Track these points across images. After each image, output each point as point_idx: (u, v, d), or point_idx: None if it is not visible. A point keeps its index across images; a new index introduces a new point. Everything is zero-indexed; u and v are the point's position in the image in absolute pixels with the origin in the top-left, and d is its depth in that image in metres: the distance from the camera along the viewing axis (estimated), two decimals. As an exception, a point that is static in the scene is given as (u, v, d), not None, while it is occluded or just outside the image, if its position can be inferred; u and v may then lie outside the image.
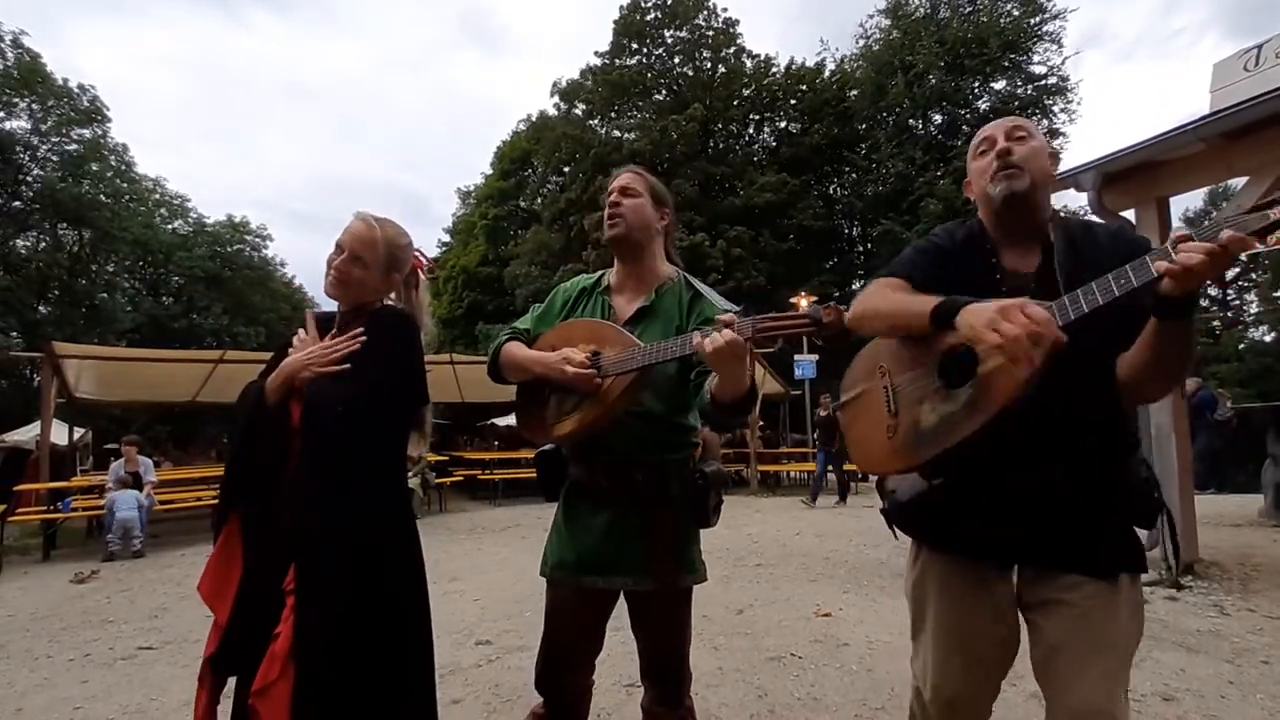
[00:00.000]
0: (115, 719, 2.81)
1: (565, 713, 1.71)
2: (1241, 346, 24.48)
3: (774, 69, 26.56)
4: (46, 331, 20.01)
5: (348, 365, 1.45)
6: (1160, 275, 1.02)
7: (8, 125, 21.63)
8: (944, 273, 1.37)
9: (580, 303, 1.74)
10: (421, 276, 1.71)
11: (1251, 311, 29.08)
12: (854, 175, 25.94)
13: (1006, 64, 22.48)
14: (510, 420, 14.35)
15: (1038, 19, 22.45)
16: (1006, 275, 1.35)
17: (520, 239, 26.68)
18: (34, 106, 22.03)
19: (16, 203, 22.57)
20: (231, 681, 1.44)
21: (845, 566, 5.34)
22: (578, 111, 27.49)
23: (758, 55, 26.76)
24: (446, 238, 34.46)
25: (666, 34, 26.34)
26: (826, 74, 26.89)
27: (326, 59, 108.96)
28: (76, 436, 12.47)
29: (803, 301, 18.35)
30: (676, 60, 26.54)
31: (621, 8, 26.22)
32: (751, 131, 27.42)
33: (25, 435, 13.51)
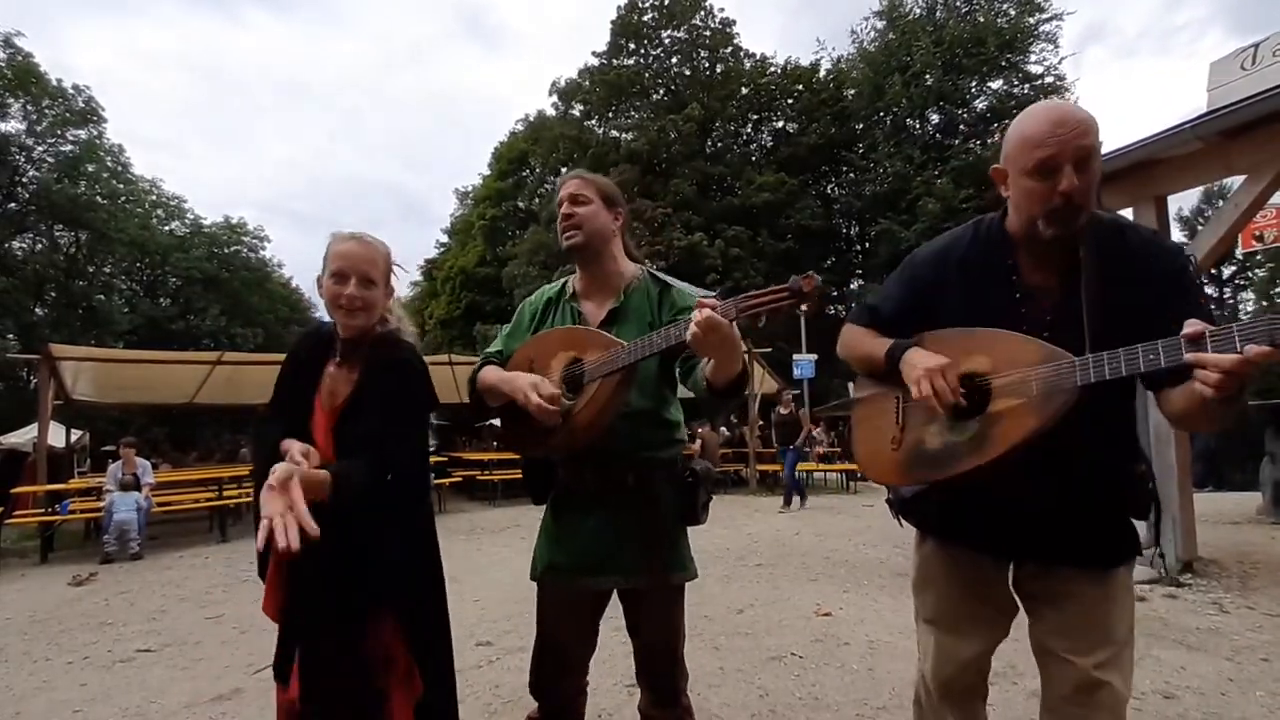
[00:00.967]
0: (114, 722, 2.80)
1: (561, 716, 1.71)
2: (1238, 344, 24.52)
3: (771, 68, 26.60)
4: (43, 333, 19.99)
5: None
6: (1189, 364, 0.97)
7: (2, 127, 21.62)
8: (941, 294, 1.35)
9: (548, 313, 1.71)
10: (392, 280, 1.64)
11: (1249, 309, 29.18)
12: (852, 175, 26.00)
13: (1004, 63, 22.56)
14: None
15: (1035, 19, 22.53)
16: (1024, 292, 1.27)
17: (518, 239, 26.66)
18: (28, 107, 21.98)
19: (12, 204, 22.53)
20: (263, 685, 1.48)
21: (845, 566, 5.34)
22: (575, 112, 27.51)
23: (755, 55, 26.83)
24: (444, 238, 34.47)
25: (664, 34, 26.39)
26: (823, 73, 26.94)
27: (325, 59, 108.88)
28: (74, 439, 12.45)
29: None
30: (674, 60, 26.58)
31: (619, 8, 26.24)
32: (749, 131, 27.45)
33: (22, 437, 13.49)
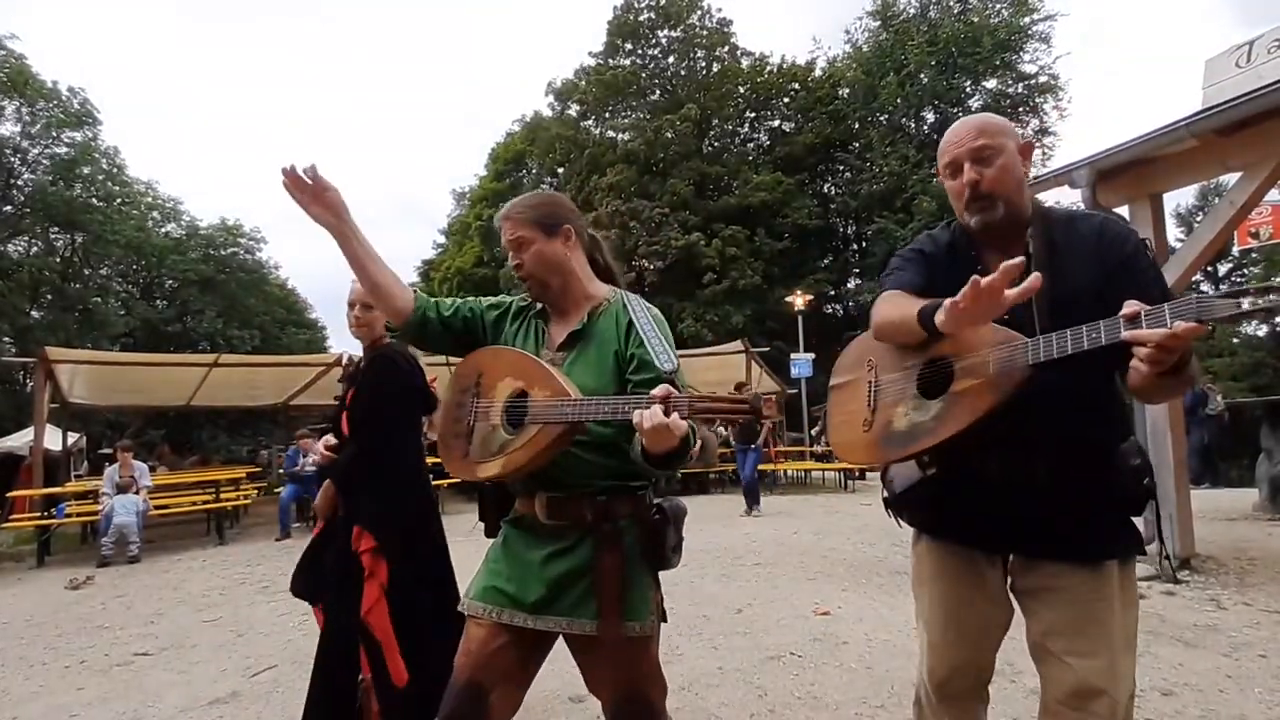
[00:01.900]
0: (111, 726, 2.80)
1: None
2: (1235, 341, 24.63)
3: (768, 66, 26.62)
4: (39, 336, 19.92)
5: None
6: (1125, 341, 1.02)
7: (-4, 129, 21.49)
8: (932, 276, 1.40)
9: (517, 321, 1.62)
10: None
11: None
12: (848, 174, 26.04)
13: (998, 63, 22.62)
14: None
15: (1029, 19, 22.61)
16: None
17: (516, 240, 26.59)
18: (23, 110, 21.87)
19: (7, 207, 22.40)
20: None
21: (844, 565, 5.34)
22: (572, 112, 27.49)
23: (752, 53, 26.84)
24: (441, 239, 34.43)
25: (660, 34, 26.38)
26: (818, 72, 26.97)
27: (323, 58, 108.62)
28: (70, 442, 12.39)
29: (797, 300, 18.39)
30: (670, 60, 26.60)
31: (615, 8, 26.24)
32: (746, 130, 27.48)
33: (18, 441, 13.46)
